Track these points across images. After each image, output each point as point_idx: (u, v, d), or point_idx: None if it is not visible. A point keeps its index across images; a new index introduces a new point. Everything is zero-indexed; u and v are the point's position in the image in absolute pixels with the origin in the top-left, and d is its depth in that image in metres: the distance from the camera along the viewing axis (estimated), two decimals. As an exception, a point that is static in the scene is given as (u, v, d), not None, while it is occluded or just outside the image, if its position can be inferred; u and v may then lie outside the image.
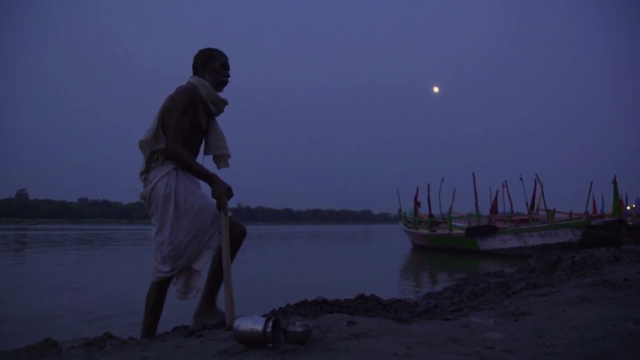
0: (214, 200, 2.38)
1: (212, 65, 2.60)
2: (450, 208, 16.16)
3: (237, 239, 2.49)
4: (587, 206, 16.33)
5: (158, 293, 2.48)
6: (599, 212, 19.37)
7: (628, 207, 26.32)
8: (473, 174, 16.49)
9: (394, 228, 38.69)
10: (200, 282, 2.55)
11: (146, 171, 2.51)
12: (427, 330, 2.07)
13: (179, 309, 2.86)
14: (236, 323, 1.75)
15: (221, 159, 2.74)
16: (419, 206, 18.68)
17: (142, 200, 2.56)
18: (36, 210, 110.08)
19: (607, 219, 13.96)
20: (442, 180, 17.35)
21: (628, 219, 20.33)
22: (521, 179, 16.22)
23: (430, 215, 17.59)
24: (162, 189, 2.42)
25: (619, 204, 14.43)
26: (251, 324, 1.72)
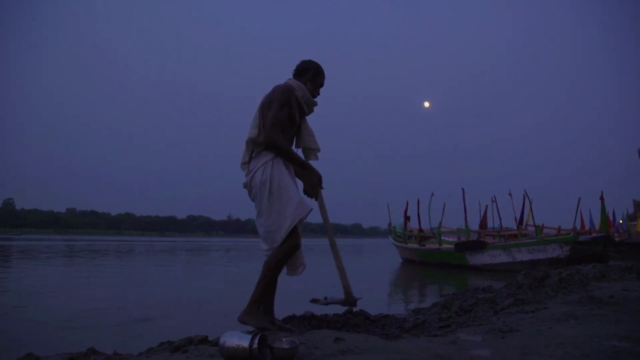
0: (299, 194, 2.71)
1: (317, 80, 3.00)
2: (440, 223, 16.22)
3: (289, 249, 2.67)
4: (575, 222, 16.47)
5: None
6: (587, 227, 19.53)
7: (620, 221, 26.64)
8: (462, 189, 16.60)
9: (384, 242, 38.70)
10: (304, 259, 2.84)
11: (248, 162, 2.80)
12: (414, 347, 2.06)
13: (166, 324, 2.83)
14: (222, 339, 1.74)
15: (311, 152, 3.06)
16: (409, 220, 18.73)
17: (245, 188, 2.84)
18: (23, 220, 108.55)
19: (594, 234, 14.07)
20: (432, 195, 17.44)
21: (616, 235, 20.54)
22: (510, 195, 16.35)
23: (420, 230, 17.63)
24: (259, 177, 2.71)
25: (606, 219, 14.59)
26: (237, 340, 1.70)
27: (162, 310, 5.08)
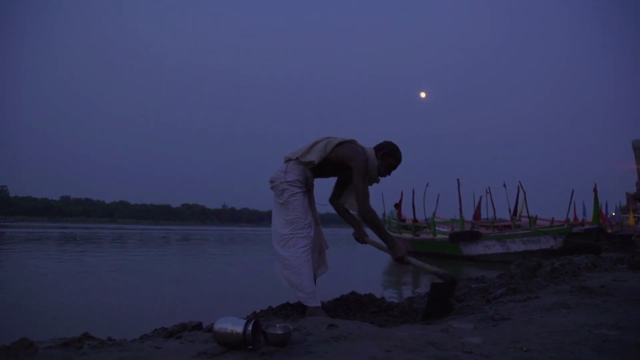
0: (306, 213, 3.03)
1: (387, 160, 3.15)
2: (434, 213, 16.28)
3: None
4: (568, 213, 16.58)
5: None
6: (579, 219, 19.66)
7: (613, 214, 26.91)
8: (458, 180, 16.63)
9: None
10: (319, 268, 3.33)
11: (287, 161, 3.09)
12: (406, 334, 2.08)
13: (160, 310, 2.83)
14: (216, 325, 1.75)
15: (347, 211, 3.38)
16: (395, 208, 18.72)
17: (270, 183, 3.11)
18: (17, 207, 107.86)
19: (587, 226, 14.18)
20: (427, 185, 17.49)
21: (609, 227, 20.64)
22: (504, 186, 16.42)
23: (415, 220, 17.69)
24: (290, 177, 3.02)
25: (598, 212, 14.69)
26: (231, 325, 1.71)
27: (152, 299, 5.09)
